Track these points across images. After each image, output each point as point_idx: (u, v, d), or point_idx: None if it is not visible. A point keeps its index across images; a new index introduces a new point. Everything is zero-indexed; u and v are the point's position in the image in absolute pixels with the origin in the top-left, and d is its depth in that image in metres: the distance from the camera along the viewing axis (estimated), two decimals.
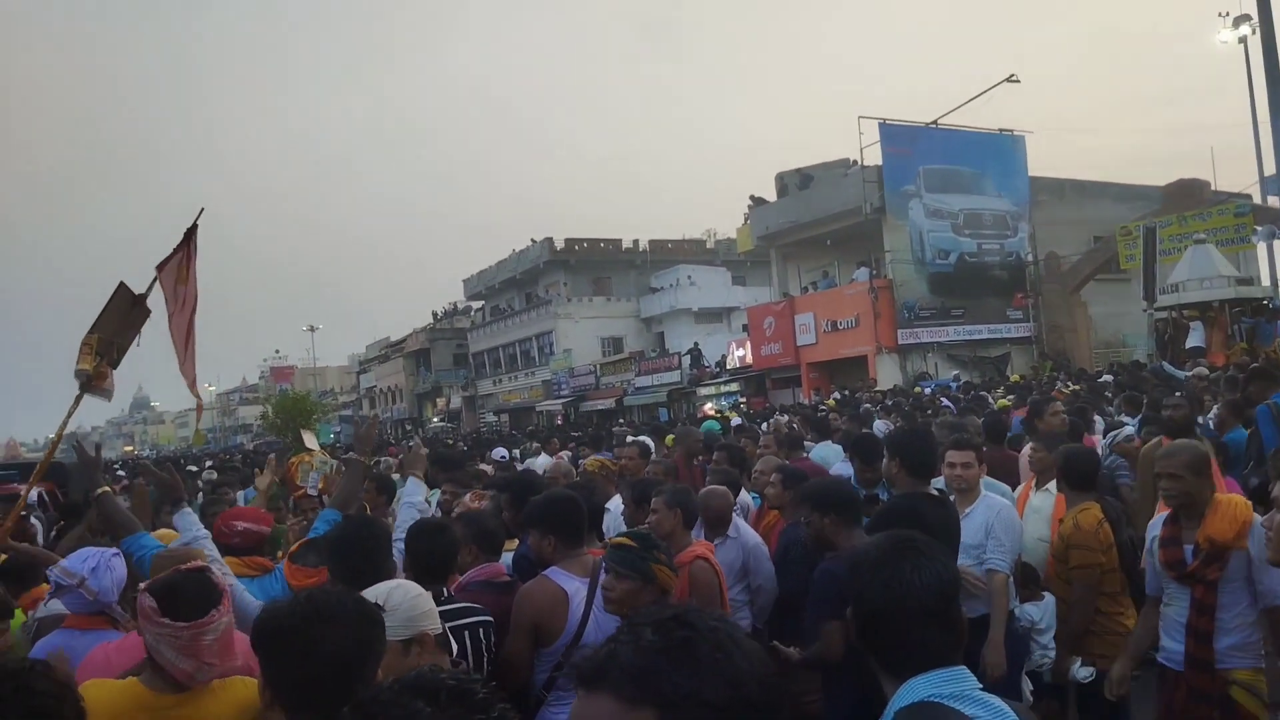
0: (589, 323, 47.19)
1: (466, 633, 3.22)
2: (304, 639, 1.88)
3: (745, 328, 35.28)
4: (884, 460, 4.71)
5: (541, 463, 10.54)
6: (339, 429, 58.74)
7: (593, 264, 50.91)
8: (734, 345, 35.63)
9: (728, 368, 35.53)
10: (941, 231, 29.92)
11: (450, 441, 27.00)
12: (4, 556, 4.61)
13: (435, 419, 56.76)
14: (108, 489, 4.15)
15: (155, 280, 5.07)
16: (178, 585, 2.55)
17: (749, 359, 33.71)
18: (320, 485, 7.79)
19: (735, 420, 18.31)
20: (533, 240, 51.51)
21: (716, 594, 4.05)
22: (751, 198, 37.07)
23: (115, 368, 4.94)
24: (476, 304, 61.84)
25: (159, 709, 2.45)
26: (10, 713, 1.44)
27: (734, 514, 5.05)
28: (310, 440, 10.71)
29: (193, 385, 5.92)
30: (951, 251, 30.06)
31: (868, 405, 16.08)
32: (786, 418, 15.53)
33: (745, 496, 5.93)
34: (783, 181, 35.20)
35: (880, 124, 29.27)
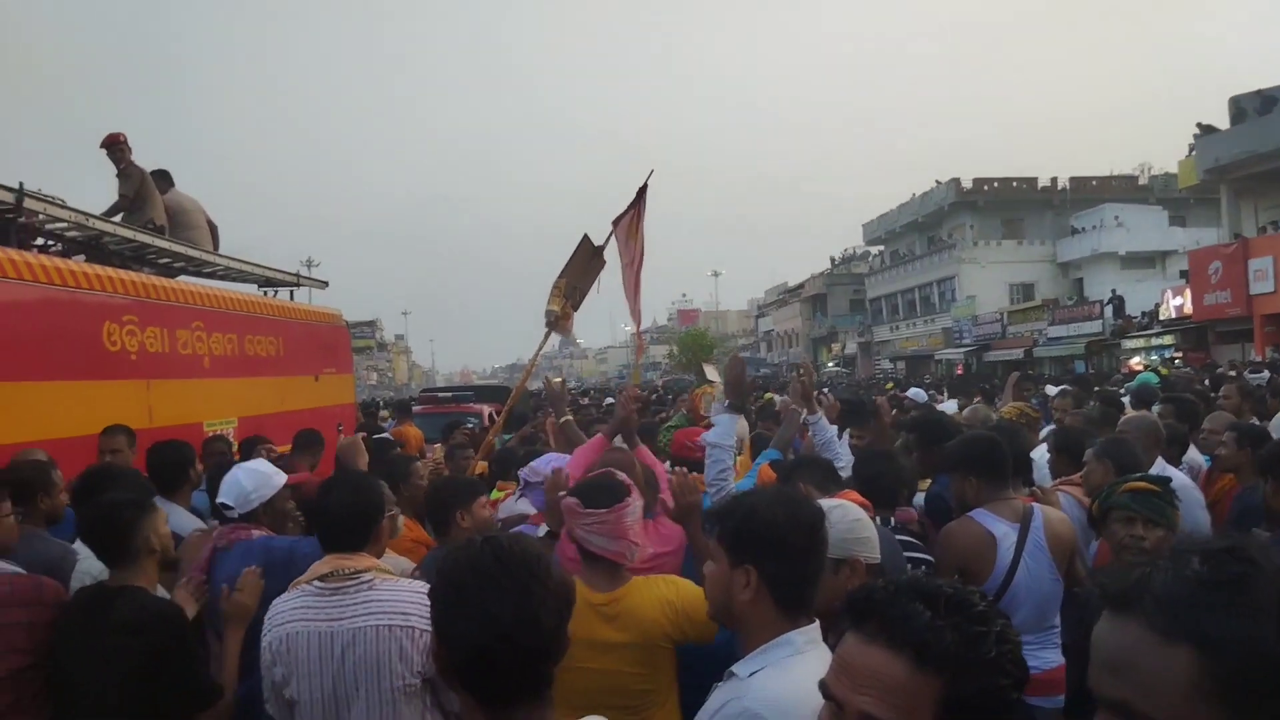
0: (996, 268, 44.44)
1: (909, 567, 3.18)
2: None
3: (1184, 274, 31.25)
4: None
5: (948, 408, 10.18)
6: None
7: (1003, 205, 47.65)
8: (1169, 293, 31.70)
9: (1160, 318, 31.77)
10: None
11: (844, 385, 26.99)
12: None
13: (830, 364, 56.99)
14: (570, 417, 4.92)
15: (611, 234, 5.65)
16: (592, 485, 2.99)
17: (1187, 309, 29.85)
18: None
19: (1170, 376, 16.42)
20: (937, 181, 49.37)
21: None
22: (1199, 125, 32.42)
23: (576, 310, 5.57)
24: (875, 249, 60.81)
25: (596, 603, 2.77)
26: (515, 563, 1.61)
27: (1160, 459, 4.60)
28: (711, 373, 11.23)
29: (639, 331, 6.74)
30: None
31: None
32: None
33: (1195, 456, 5.33)
34: (1239, 105, 30.27)
35: None
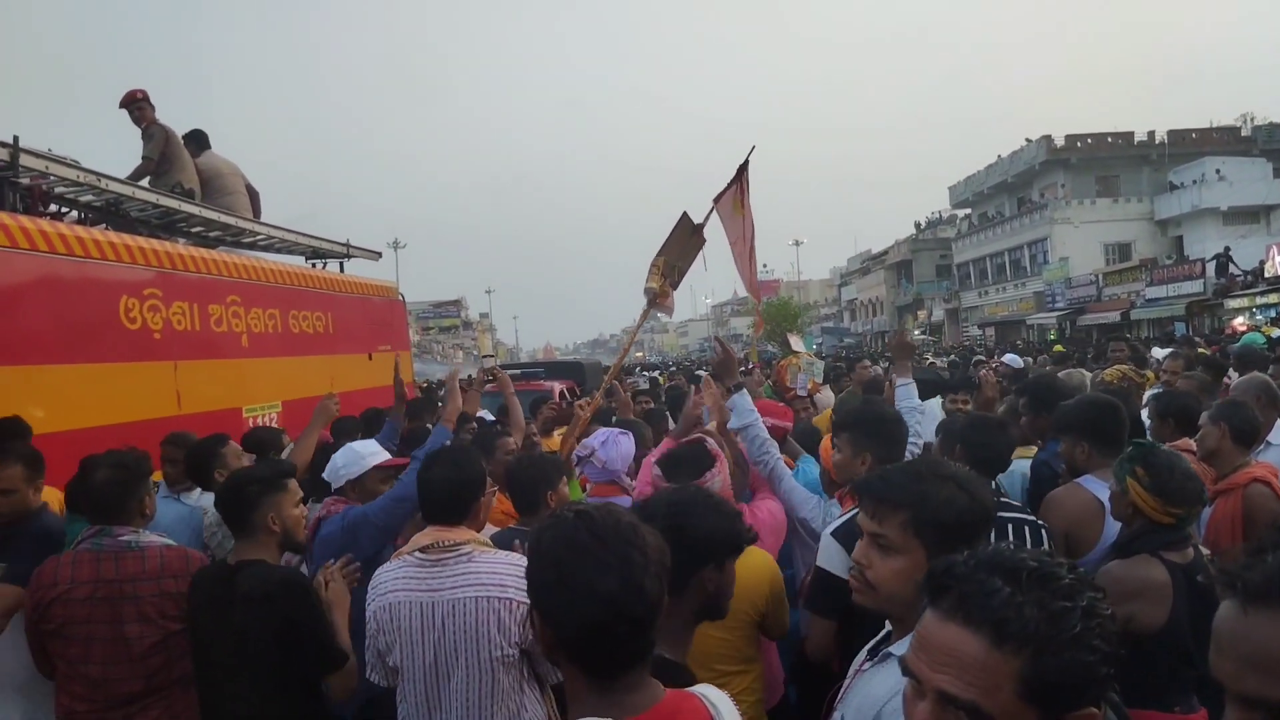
0: (1091, 227, 43.00)
1: (1010, 527, 3.04)
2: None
3: None
4: None
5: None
6: (820, 340, 60.45)
7: (1098, 161, 45.93)
8: (1274, 249, 30.31)
9: (1265, 276, 30.40)
10: None
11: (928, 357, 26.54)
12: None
13: (916, 332, 56.01)
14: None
15: (711, 211, 5.64)
16: (676, 455, 3.02)
17: None
18: (810, 386, 8.13)
19: (1277, 333, 15.79)
20: (1028, 140, 47.85)
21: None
22: None
23: (675, 289, 5.58)
24: (962, 212, 59.34)
25: None
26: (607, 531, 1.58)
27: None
28: (797, 343, 11.16)
29: (758, 308, 6.75)
30: None
31: None
32: None
33: None
34: None
35: None
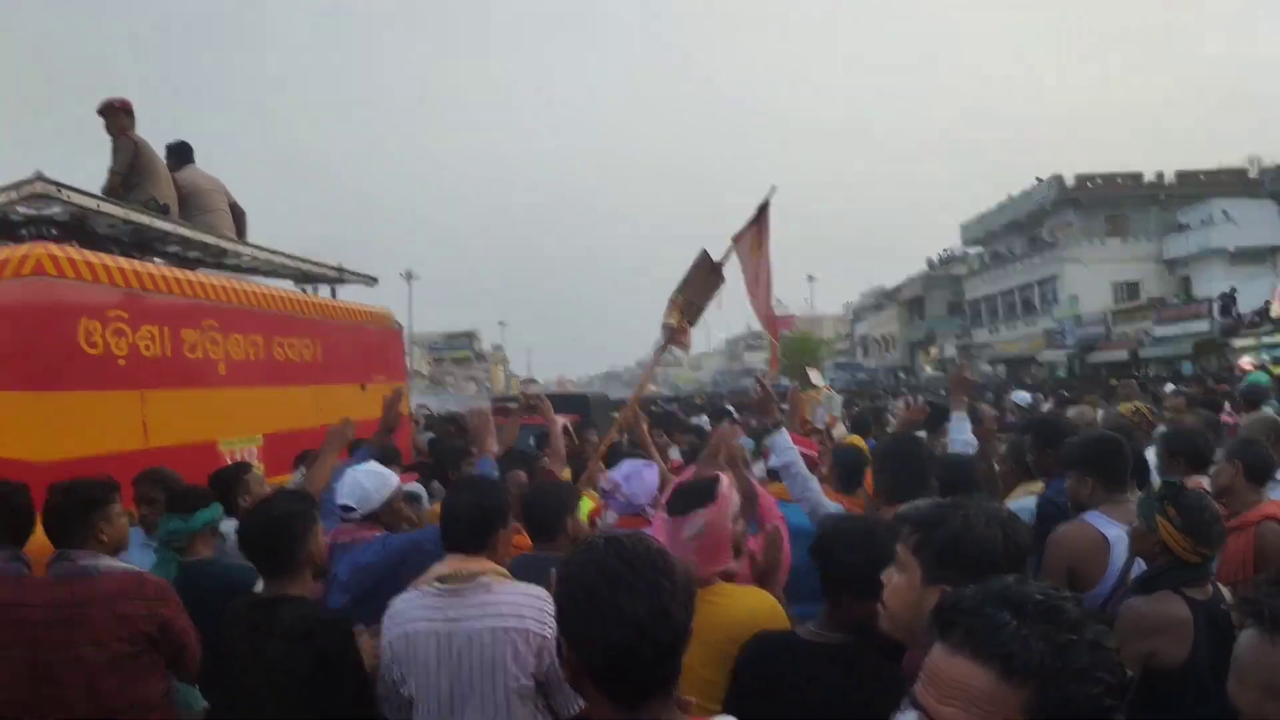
0: (1100, 266, 43.05)
1: None
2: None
3: None
4: None
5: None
6: (834, 376, 60.48)
7: (1108, 201, 46.11)
8: None
9: (1271, 316, 30.44)
10: None
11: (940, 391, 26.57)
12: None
13: (928, 368, 55.96)
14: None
15: (730, 249, 5.66)
16: (681, 486, 2.84)
17: None
18: (828, 421, 8.19)
19: None
20: (1038, 179, 48.11)
21: None
22: None
23: (694, 326, 5.58)
24: (974, 249, 59.50)
25: None
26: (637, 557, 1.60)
27: None
28: (816, 377, 11.15)
29: (773, 347, 7.20)
30: None
31: None
32: None
33: None
34: None
35: None
